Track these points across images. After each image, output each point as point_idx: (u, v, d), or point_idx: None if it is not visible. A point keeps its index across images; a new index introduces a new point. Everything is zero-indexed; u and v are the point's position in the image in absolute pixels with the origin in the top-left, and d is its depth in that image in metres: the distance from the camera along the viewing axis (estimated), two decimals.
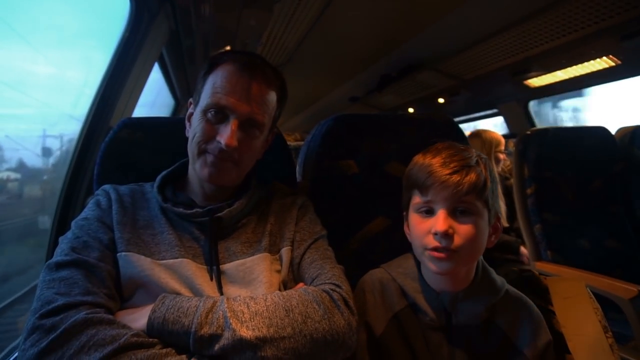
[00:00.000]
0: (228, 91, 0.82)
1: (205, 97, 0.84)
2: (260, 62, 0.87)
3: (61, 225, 1.36)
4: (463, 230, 0.78)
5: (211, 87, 0.83)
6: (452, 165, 0.79)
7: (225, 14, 1.76)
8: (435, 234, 0.77)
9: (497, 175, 0.87)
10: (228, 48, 2.28)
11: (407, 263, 0.93)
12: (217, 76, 0.84)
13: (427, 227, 0.80)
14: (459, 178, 0.77)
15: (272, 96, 0.88)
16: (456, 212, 0.79)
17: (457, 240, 0.77)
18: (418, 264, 0.90)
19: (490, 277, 0.88)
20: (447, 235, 0.76)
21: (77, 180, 1.38)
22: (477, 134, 2.55)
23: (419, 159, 0.86)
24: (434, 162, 0.81)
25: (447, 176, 0.78)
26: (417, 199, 0.83)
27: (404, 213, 0.92)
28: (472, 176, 0.78)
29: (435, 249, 0.78)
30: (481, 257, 0.88)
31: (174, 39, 2.01)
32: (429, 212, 0.81)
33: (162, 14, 1.62)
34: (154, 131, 1.09)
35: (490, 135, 2.50)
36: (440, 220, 0.77)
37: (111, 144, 1.05)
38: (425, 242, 0.80)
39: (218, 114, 0.83)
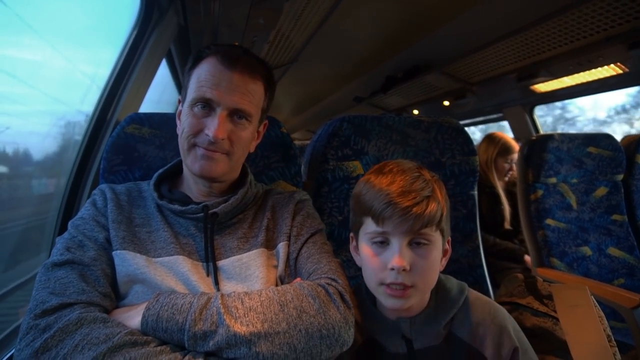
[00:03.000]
0: (212, 84, 0.83)
1: (191, 91, 0.85)
2: (242, 52, 0.88)
3: (65, 222, 1.36)
4: (420, 263, 0.75)
5: (196, 82, 0.84)
6: (411, 196, 0.74)
7: (234, 11, 1.76)
8: (392, 269, 0.74)
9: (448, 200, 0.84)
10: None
11: (359, 295, 0.89)
12: (201, 70, 0.85)
13: (382, 261, 0.77)
14: (419, 210, 0.73)
15: (258, 86, 0.88)
16: (412, 244, 0.76)
17: (414, 275, 0.75)
18: (369, 294, 0.86)
19: (444, 289, 0.85)
20: (404, 271, 0.74)
21: (82, 175, 1.38)
22: (487, 136, 2.47)
23: (373, 182, 0.80)
24: (392, 191, 0.76)
25: (408, 208, 0.73)
26: (370, 228, 0.79)
27: (351, 234, 0.89)
28: (432, 207, 0.75)
29: (392, 284, 0.75)
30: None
31: (183, 36, 2.01)
32: (384, 243, 0.77)
33: (172, 10, 1.62)
34: (161, 127, 1.09)
35: (499, 139, 2.39)
36: (398, 256, 0.74)
37: (118, 139, 1.06)
38: (382, 277, 0.76)
39: (205, 107, 0.84)
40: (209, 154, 0.84)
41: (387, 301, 0.78)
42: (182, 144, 0.86)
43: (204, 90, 0.83)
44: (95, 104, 1.42)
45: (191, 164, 0.86)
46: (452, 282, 0.87)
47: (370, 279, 0.80)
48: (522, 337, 0.81)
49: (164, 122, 1.10)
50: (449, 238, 0.85)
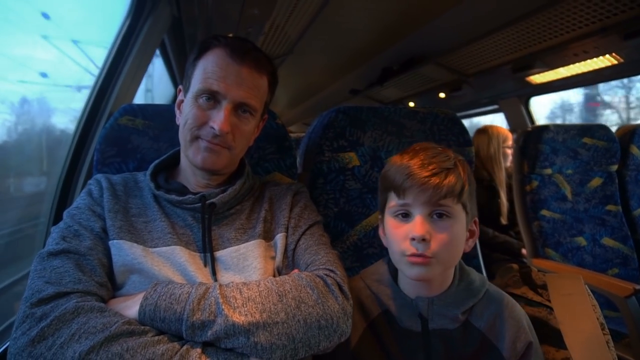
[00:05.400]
0: (219, 76, 0.81)
1: (196, 82, 0.83)
2: (251, 46, 0.87)
3: (59, 213, 1.35)
4: (440, 235, 0.76)
5: (202, 73, 0.83)
6: (430, 167, 0.76)
7: (227, 2, 1.74)
8: (413, 239, 0.75)
9: (473, 179, 0.85)
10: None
11: (381, 269, 0.92)
12: (208, 61, 0.83)
13: (404, 231, 0.78)
14: (438, 180, 0.75)
15: (264, 81, 0.88)
16: (433, 215, 0.77)
17: (434, 246, 0.75)
18: (392, 270, 0.89)
19: (468, 279, 0.87)
20: (424, 241, 0.75)
21: (76, 167, 1.37)
22: (484, 130, 2.49)
23: (396, 159, 0.83)
24: (412, 164, 0.78)
25: (426, 178, 0.75)
26: (393, 202, 0.81)
27: (380, 216, 0.90)
28: (451, 179, 0.76)
29: (413, 255, 0.76)
30: (460, 260, 0.87)
31: (176, 26, 1.99)
32: (406, 215, 0.79)
33: (165, 1, 1.60)
34: (155, 118, 1.08)
35: (498, 131, 2.45)
36: (417, 225, 0.75)
37: (111, 131, 1.05)
38: (403, 247, 0.77)
39: (210, 99, 0.83)
40: (212, 146, 0.83)
41: (410, 271, 0.78)
42: (185, 135, 0.85)
43: (210, 82, 0.81)
44: (87, 95, 1.41)
45: (193, 156, 0.85)
46: (475, 274, 0.89)
47: (394, 252, 0.81)
48: (534, 333, 0.83)
49: (158, 113, 1.09)
50: (476, 219, 0.86)
